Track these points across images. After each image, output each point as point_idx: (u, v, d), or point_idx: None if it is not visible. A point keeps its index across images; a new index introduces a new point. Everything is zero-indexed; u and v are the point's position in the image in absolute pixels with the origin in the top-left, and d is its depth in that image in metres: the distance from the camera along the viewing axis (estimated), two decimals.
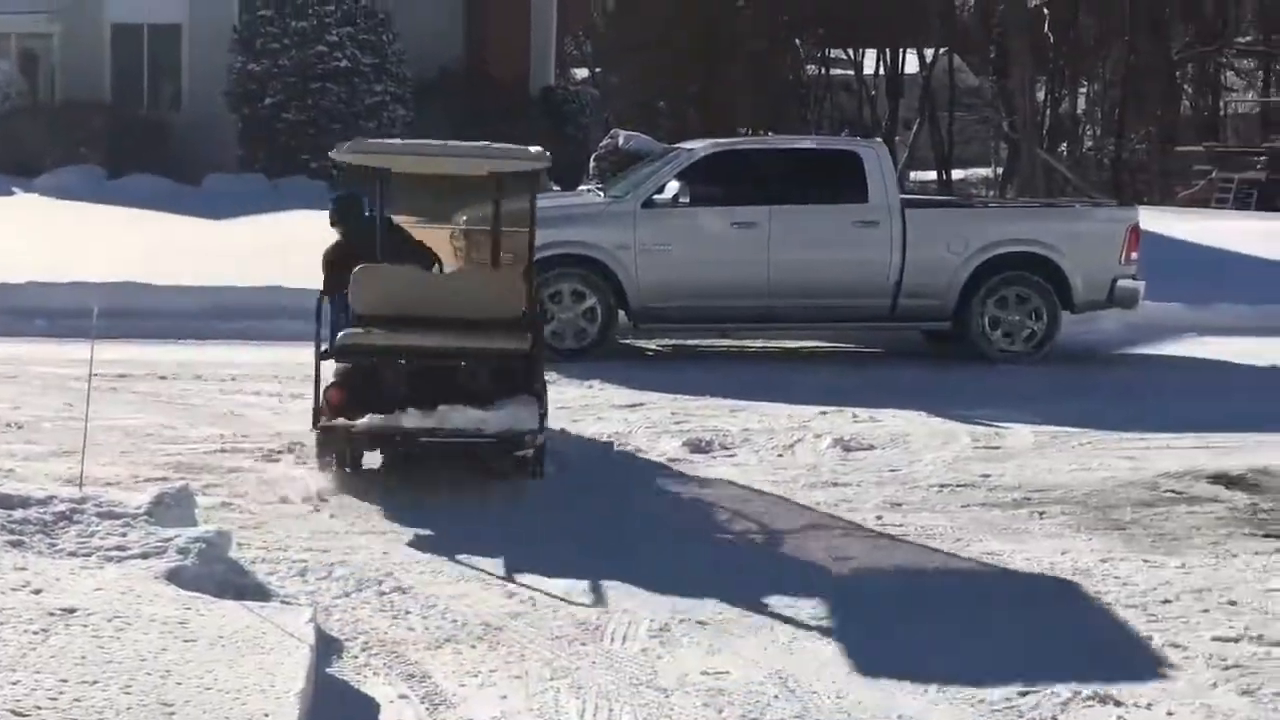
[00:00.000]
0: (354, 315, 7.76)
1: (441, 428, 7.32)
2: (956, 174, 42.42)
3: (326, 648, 5.03)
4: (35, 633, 4.28)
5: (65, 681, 3.94)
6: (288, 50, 22.79)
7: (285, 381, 10.31)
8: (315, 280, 8.72)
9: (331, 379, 7.51)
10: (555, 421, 9.00)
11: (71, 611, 4.53)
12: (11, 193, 21.47)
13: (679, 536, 6.79)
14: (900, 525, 6.97)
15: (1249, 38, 46.34)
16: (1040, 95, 37.36)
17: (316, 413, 7.35)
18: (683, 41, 40.97)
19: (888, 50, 42.90)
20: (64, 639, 4.27)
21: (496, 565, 6.20)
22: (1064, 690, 4.89)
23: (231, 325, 12.70)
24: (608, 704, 4.74)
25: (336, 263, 8.55)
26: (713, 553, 6.52)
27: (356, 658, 5.11)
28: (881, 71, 43.92)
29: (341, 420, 7.29)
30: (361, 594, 5.78)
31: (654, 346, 12.72)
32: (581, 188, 19.40)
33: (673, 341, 12.84)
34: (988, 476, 7.94)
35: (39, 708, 3.74)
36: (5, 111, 24.26)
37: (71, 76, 25.85)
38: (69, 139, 23.04)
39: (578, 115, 27.03)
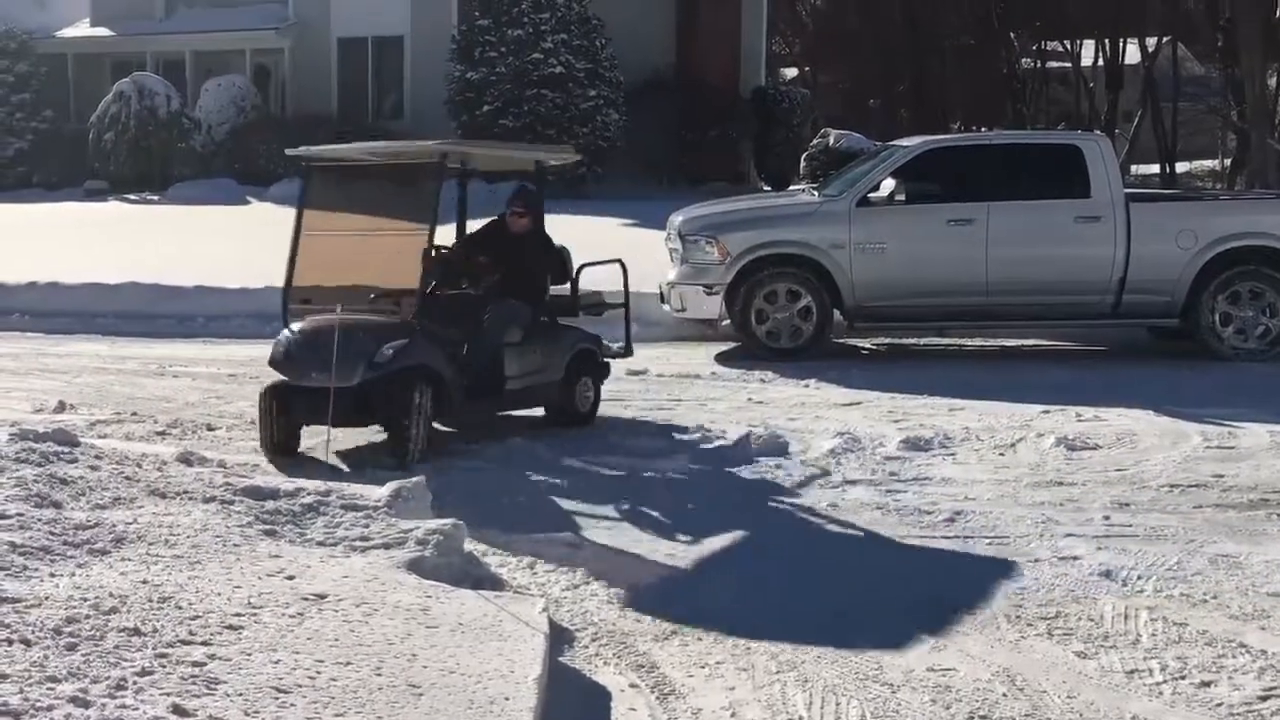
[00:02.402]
0: None
1: None
2: (1181, 166, 40.90)
3: (558, 637, 5.19)
4: (292, 616, 4.54)
5: (321, 662, 4.16)
6: (505, 58, 23.32)
7: None
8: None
9: None
10: (773, 420, 9.10)
11: (323, 597, 4.78)
12: (247, 202, 22.54)
13: (902, 535, 6.77)
14: (1129, 526, 6.83)
15: None
16: (1272, 83, 35.79)
17: None
18: (893, 38, 40.55)
19: (1106, 40, 41.62)
20: (317, 622, 4.51)
21: (719, 559, 6.30)
22: None
23: None
24: (834, 697, 4.78)
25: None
26: (936, 550, 6.49)
27: (587, 647, 5.26)
28: (1100, 62, 42.62)
29: None
30: (589, 586, 5.94)
31: (869, 345, 12.67)
32: (793, 187, 19.40)
33: (888, 340, 12.78)
34: (1221, 477, 7.71)
35: (299, 685, 3.97)
36: (241, 124, 25.43)
37: (300, 89, 26.97)
38: None
39: (789, 116, 27.00)
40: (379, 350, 7.76)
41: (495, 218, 9.11)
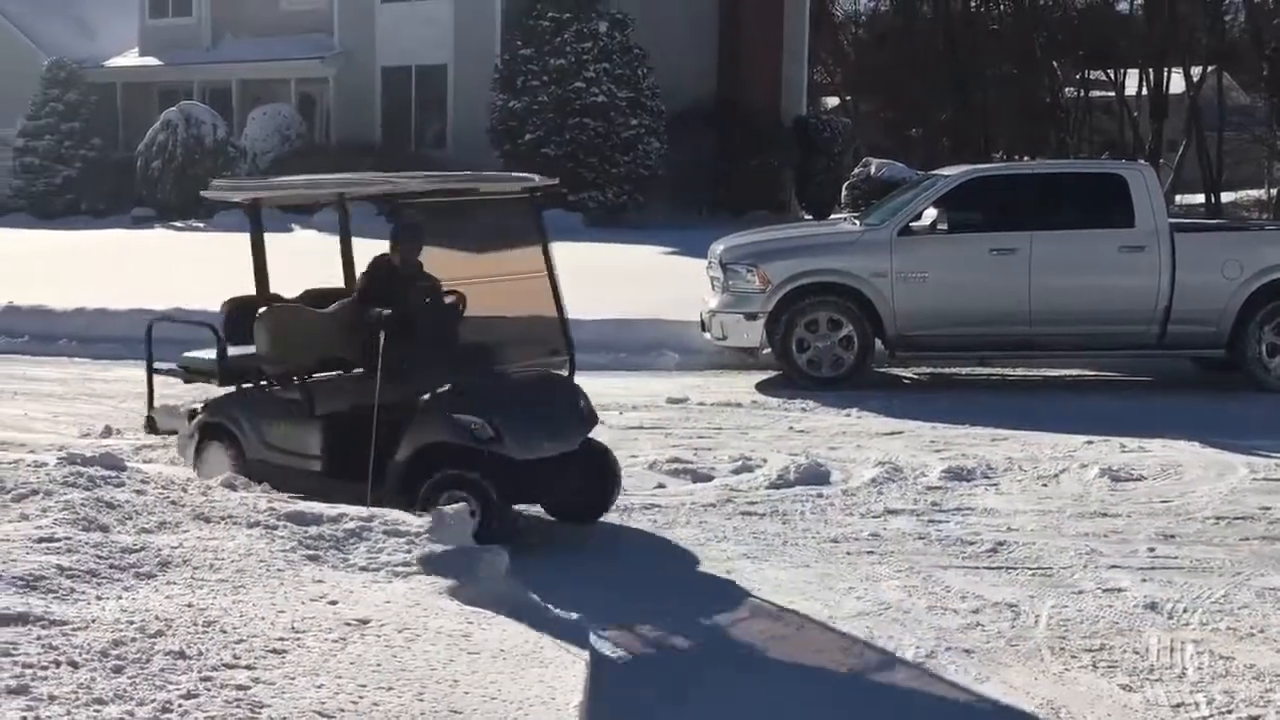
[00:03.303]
0: None
1: None
2: (1226, 196, 40.61)
3: (600, 664, 5.18)
4: (335, 641, 4.55)
5: (364, 687, 4.17)
6: (547, 87, 23.45)
7: None
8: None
9: None
10: (815, 449, 9.07)
11: (365, 622, 4.79)
12: (290, 229, 22.68)
13: (941, 566, 6.73)
14: (1174, 558, 6.77)
15: None
16: None
17: None
18: (934, 67, 40.54)
19: (1151, 69, 41.46)
20: (360, 648, 4.52)
21: (761, 586, 6.29)
22: None
23: None
24: None
25: None
26: (978, 581, 6.45)
27: (629, 675, 5.26)
28: (1144, 91, 42.45)
29: None
30: (631, 613, 5.93)
31: (911, 375, 12.63)
32: (835, 216, 19.40)
33: (930, 370, 12.73)
34: (1268, 509, 7.64)
35: (342, 710, 3.98)
36: (285, 153, 25.67)
37: (345, 118, 27.20)
38: None
39: (830, 144, 27.03)
40: (583, 403, 7.17)
41: (377, 257, 7.66)
